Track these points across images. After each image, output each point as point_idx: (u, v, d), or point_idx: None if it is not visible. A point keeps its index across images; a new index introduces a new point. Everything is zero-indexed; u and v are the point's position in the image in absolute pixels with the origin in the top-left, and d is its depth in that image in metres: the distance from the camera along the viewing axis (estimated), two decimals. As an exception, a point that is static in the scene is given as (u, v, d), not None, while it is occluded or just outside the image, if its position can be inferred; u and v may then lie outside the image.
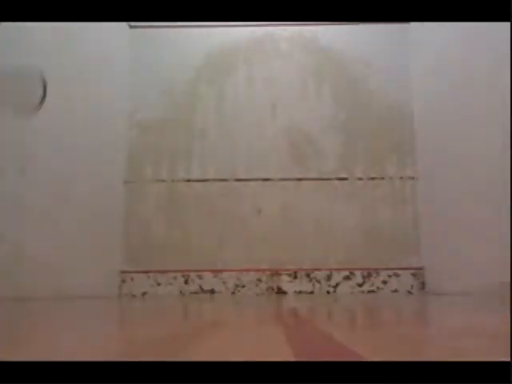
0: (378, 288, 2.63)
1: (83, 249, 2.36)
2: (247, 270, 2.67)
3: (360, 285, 2.64)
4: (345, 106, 2.86)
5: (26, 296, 2.05)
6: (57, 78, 2.34)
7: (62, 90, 2.36)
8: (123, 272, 2.67)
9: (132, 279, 2.67)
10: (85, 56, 2.48)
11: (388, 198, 2.74)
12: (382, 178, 2.76)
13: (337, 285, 2.64)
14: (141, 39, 2.93)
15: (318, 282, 2.65)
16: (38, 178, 2.23)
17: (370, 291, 2.62)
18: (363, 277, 2.64)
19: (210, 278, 2.66)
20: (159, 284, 2.66)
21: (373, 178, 2.76)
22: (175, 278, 2.66)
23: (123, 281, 2.66)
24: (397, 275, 2.64)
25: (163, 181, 2.79)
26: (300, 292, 2.64)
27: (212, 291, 2.65)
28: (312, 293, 2.64)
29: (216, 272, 2.67)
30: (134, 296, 2.62)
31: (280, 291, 2.64)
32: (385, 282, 2.63)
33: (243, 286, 2.65)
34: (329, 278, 2.65)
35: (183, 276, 2.66)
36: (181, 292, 2.65)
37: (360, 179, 2.77)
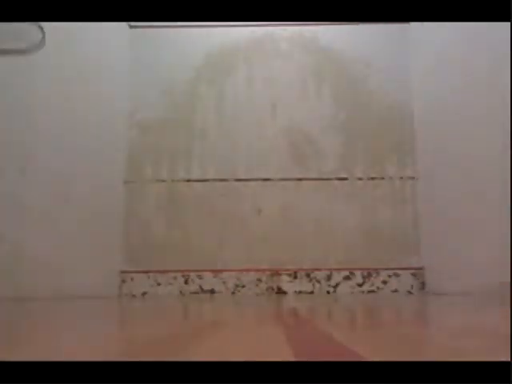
0: (378, 288, 2.63)
1: (83, 249, 2.36)
2: (247, 270, 2.67)
3: (360, 285, 2.64)
4: (345, 106, 2.86)
5: (26, 296, 2.05)
6: (57, 77, 2.34)
7: (62, 90, 2.36)
8: (123, 272, 2.67)
9: (132, 279, 2.67)
10: (85, 56, 2.48)
11: (388, 198, 2.74)
12: (382, 178, 2.76)
13: (337, 285, 2.64)
14: (141, 39, 2.93)
15: (318, 282, 2.65)
16: (38, 178, 2.23)
17: (370, 291, 2.62)
18: (363, 277, 2.64)
19: (210, 278, 2.66)
20: (159, 284, 2.66)
21: (373, 178, 2.76)
22: (175, 277, 2.66)
23: (123, 281, 2.66)
24: (397, 275, 2.64)
25: (163, 181, 2.79)
26: (300, 292, 2.64)
27: (212, 291, 2.65)
28: (312, 293, 2.64)
29: (216, 272, 2.67)
30: (134, 296, 2.62)
31: (280, 291, 2.65)
32: (385, 282, 2.63)
33: (243, 286, 2.65)
34: (329, 277, 2.65)
35: (183, 276, 2.66)
36: (181, 292, 2.65)
37: (360, 179, 2.77)
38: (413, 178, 2.74)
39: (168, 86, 2.88)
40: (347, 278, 2.64)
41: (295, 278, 2.66)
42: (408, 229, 2.70)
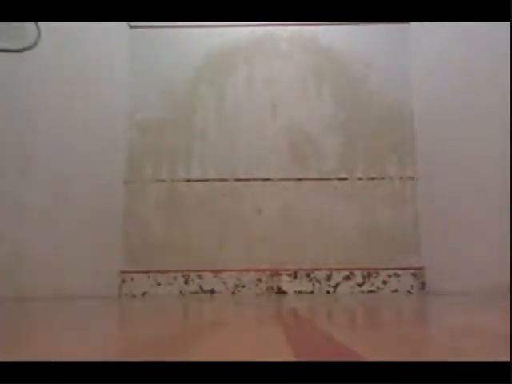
0: (378, 288, 2.63)
1: (83, 249, 2.36)
2: (247, 270, 2.67)
3: (360, 285, 2.64)
4: (345, 106, 2.86)
5: (26, 296, 2.05)
6: (57, 78, 2.34)
7: (62, 90, 2.36)
8: (123, 272, 2.67)
9: (132, 279, 2.67)
10: (85, 56, 2.48)
11: (388, 198, 2.74)
12: (382, 178, 2.76)
13: (337, 285, 2.64)
14: (141, 39, 2.93)
15: (318, 282, 2.65)
16: (38, 178, 2.23)
17: (370, 291, 2.62)
18: (363, 277, 2.64)
19: (210, 278, 2.66)
20: (159, 284, 2.66)
21: (373, 178, 2.76)
22: (175, 277, 2.66)
23: (123, 281, 2.66)
24: (397, 275, 2.64)
25: (163, 181, 2.79)
26: (300, 292, 2.64)
27: (212, 291, 2.65)
28: (312, 293, 2.64)
29: (216, 272, 2.67)
30: (134, 296, 2.62)
31: (280, 291, 2.65)
32: (385, 282, 2.63)
33: (243, 286, 2.65)
34: (329, 278, 2.65)
35: (183, 276, 2.66)
36: (181, 292, 2.65)
37: (360, 179, 2.77)
38: (413, 178, 2.74)
39: (168, 86, 2.88)
40: (347, 278, 2.64)
41: (295, 278, 2.66)
42: (408, 229, 2.70)
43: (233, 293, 2.65)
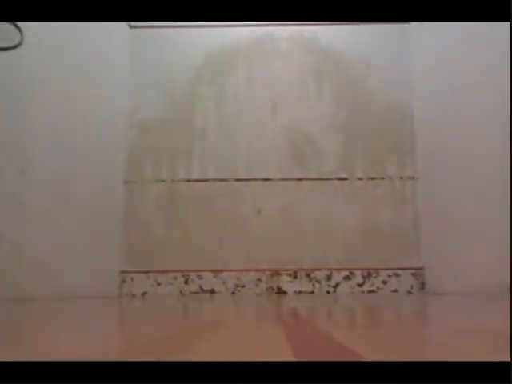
0: (378, 288, 2.63)
1: (83, 249, 2.36)
2: (247, 270, 2.67)
3: (360, 285, 2.64)
4: (345, 106, 2.86)
5: (26, 296, 2.05)
6: (57, 78, 2.34)
7: (62, 90, 2.36)
8: (123, 272, 2.67)
9: (132, 279, 2.66)
10: (85, 56, 2.48)
11: (388, 198, 2.74)
12: (382, 178, 2.76)
13: (337, 285, 2.64)
14: (141, 39, 2.93)
15: (318, 282, 2.65)
16: (38, 177, 2.23)
17: (370, 291, 2.62)
18: (363, 277, 2.64)
19: (210, 278, 2.66)
20: (159, 284, 2.66)
21: (373, 178, 2.76)
22: (175, 277, 2.66)
23: (123, 281, 2.66)
24: (397, 275, 2.64)
25: (163, 181, 2.79)
26: (300, 292, 2.64)
27: (212, 291, 2.65)
28: (312, 293, 2.64)
29: (216, 272, 2.67)
30: (134, 296, 2.62)
31: (280, 291, 2.64)
32: (385, 282, 2.63)
33: (243, 286, 2.65)
34: (329, 278, 2.65)
35: (183, 276, 2.66)
36: (181, 292, 2.65)
37: (360, 179, 2.77)
38: (413, 178, 2.74)
39: (168, 86, 2.88)
40: (347, 278, 2.64)
41: (295, 278, 2.66)
42: (408, 229, 2.70)
43: (233, 293, 2.64)
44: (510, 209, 1.51)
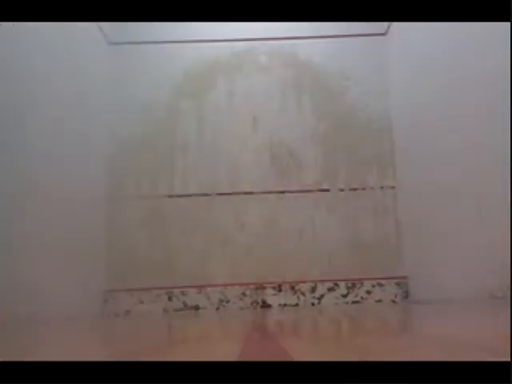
0: (362, 298, 2.62)
1: (66, 268, 2.33)
2: (231, 285, 2.65)
3: (344, 296, 2.62)
4: (325, 118, 2.88)
5: (3, 320, 2.01)
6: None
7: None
8: (106, 291, 2.64)
9: (114, 298, 2.63)
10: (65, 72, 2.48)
11: (370, 208, 2.75)
12: (364, 189, 2.77)
13: (321, 296, 2.63)
14: (120, 55, 2.94)
15: (303, 294, 2.63)
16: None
17: (354, 302, 2.61)
18: (347, 287, 2.63)
19: (194, 294, 2.64)
20: (142, 302, 2.63)
21: (354, 189, 2.77)
22: (158, 295, 2.63)
23: (105, 300, 2.62)
24: (380, 285, 2.63)
25: (145, 197, 2.78)
26: (285, 305, 2.62)
27: (196, 307, 2.62)
28: (297, 305, 2.62)
29: (200, 288, 2.64)
30: (117, 315, 2.58)
31: (265, 305, 2.62)
32: (369, 292, 2.62)
33: (228, 301, 2.63)
34: (313, 289, 2.63)
35: (166, 293, 2.63)
36: (164, 309, 2.62)
37: (342, 190, 2.77)
38: (393, 187, 2.76)
39: (148, 102, 2.89)
40: (331, 289, 2.63)
41: (280, 290, 2.64)
42: (391, 238, 2.70)
43: (217, 308, 2.62)
44: (510, 209, 1.51)
